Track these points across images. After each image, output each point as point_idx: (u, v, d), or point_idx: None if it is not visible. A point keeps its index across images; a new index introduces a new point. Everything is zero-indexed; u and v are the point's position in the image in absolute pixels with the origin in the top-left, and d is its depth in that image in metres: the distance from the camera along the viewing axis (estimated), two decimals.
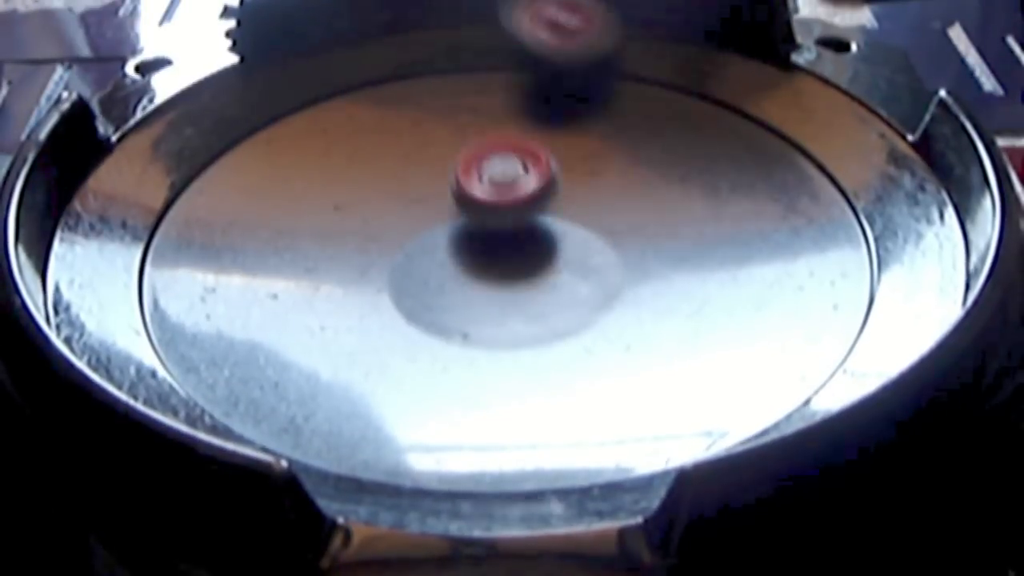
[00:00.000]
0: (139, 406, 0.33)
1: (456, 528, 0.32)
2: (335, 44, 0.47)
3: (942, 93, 0.41)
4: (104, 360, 0.37)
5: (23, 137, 0.46)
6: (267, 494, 0.31)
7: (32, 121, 0.58)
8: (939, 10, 0.63)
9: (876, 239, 0.40)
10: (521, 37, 0.45)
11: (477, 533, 0.32)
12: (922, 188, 0.41)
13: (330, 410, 0.36)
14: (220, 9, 0.46)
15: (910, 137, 0.42)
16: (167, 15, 0.64)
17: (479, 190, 0.41)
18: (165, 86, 0.45)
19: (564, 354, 0.38)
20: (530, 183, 0.40)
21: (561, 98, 0.45)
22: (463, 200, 0.41)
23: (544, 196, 0.41)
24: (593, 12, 0.45)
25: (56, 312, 0.38)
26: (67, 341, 0.37)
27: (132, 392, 0.36)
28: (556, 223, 0.41)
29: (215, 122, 0.45)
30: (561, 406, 0.37)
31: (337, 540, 0.31)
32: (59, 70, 0.61)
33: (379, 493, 0.33)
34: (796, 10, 0.46)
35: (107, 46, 0.63)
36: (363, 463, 0.35)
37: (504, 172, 0.41)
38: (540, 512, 0.32)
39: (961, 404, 0.34)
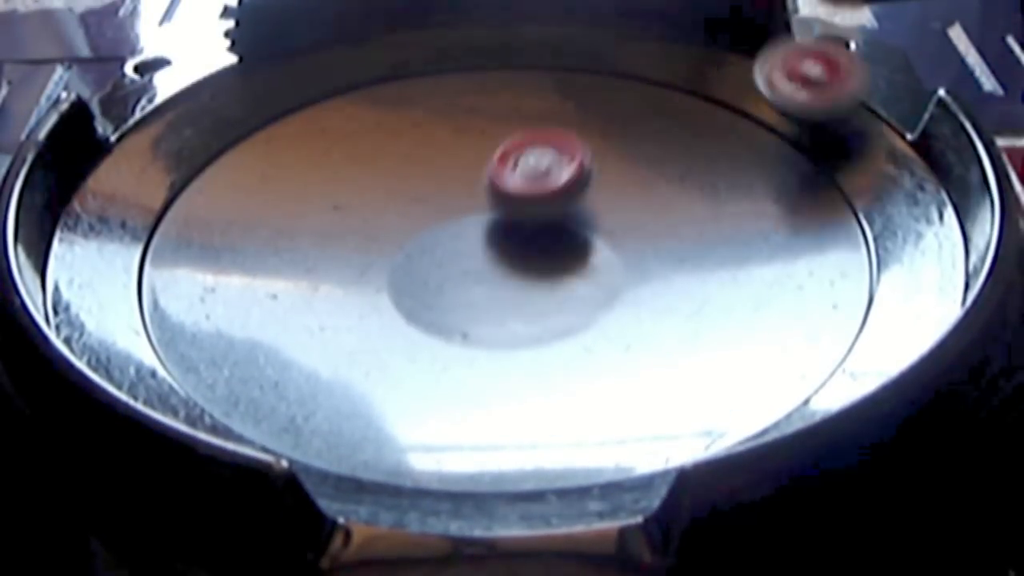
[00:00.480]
0: (139, 406, 0.33)
1: (456, 528, 0.32)
2: (334, 44, 0.47)
3: (941, 93, 0.41)
4: (104, 360, 0.37)
5: (23, 137, 0.46)
6: (267, 494, 0.31)
7: (32, 121, 0.58)
8: (939, 10, 0.62)
9: (875, 239, 0.40)
10: (772, 96, 0.43)
11: (477, 533, 0.32)
12: (921, 188, 0.41)
13: (330, 410, 0.36)
14: (219, 9, 0.46)
15: (909, 137, 0.42)
16: (167, 15, 0.64)
17: (513, 183, 0.41)
18: (164, 86, 0.45)
19: (564, 354, 0.38)
20: (563, 174, 0.41)
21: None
22: (497, 193, 0.41)
23: (577, 186, 0.41)
24: (840, 61, 0.43)
25: (56, 312, 0.38)
26: (67, 341, 0.37)
27: (132, 392, 0.36)
28: (556, 223, 0.41)
29: (214, 122, 0.45)
30: (561, 406, 0.37)
31: (337, 540, 0.31)
32: (59, 70, 0.61)
33: (379, 493, 0.33)
34: (796, 10, 0.46)
35: (107, 46, 0.63)
36: (363, 463, 0.35)
37: (539, 164, 0.41)
38: (540, 512, 0.32)
39: (960, 404, 0.34)
